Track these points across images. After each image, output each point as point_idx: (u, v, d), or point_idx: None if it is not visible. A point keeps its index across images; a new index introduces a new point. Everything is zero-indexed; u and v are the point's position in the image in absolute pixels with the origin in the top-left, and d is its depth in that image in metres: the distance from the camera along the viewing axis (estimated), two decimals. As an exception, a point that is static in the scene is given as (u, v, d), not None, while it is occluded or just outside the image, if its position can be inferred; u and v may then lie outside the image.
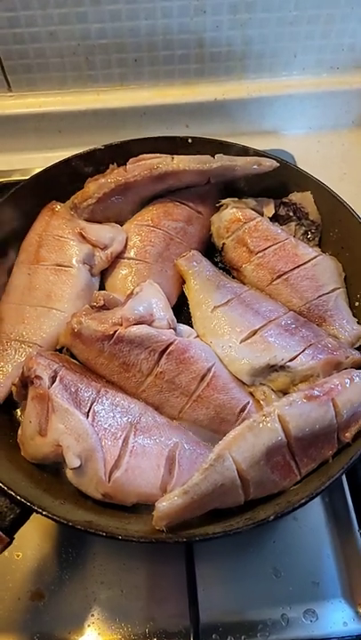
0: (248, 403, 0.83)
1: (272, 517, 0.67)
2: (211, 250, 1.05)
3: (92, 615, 0.81)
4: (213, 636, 0.79)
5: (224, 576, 0.84)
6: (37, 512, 0.68)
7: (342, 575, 0.85)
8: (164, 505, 0.69)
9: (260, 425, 0.72)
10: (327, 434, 0.74)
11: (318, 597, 0.83)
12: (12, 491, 0.68)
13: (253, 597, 0.83)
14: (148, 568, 0.84)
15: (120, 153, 1.02)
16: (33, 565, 0.85)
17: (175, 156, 0.98)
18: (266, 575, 0.84)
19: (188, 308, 0.95)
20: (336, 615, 0.82)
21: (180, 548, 0.82)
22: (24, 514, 0.69)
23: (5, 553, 0.70)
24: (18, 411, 0.88)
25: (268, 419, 0.72)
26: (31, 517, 0.71)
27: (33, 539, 0.86)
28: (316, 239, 1.01)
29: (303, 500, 0.68)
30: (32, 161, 1.26)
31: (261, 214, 1.01)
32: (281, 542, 0.86)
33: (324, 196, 0.99)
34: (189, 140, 1.04)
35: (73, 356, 0.88)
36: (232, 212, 0.99)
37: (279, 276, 0.94)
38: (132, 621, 0.81)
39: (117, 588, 0.83)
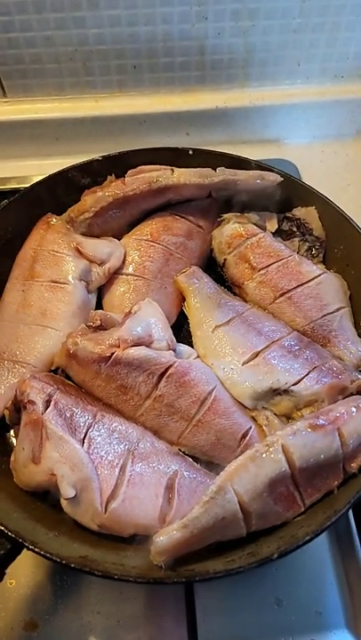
0: (250, 428, 0.80)
1: (276, 556, 0.64)
2: (212, 265, 1.01)
3: (88, 646, 0.79)
4: (213, 668, 0.77)
5: (224, 605, 0.81)
6: (29, 549, 0.65)
7: (346, 604, 0.82)
8: (163, 540, 0.66)
9: (263, 455, 0.69)
10: (332, 464, 0.71)
11: (321, 627, 0.80)
12: (2, 525, 0.65)
13: (255, 627, 0.80)
14: (146, 597, 0.81)
15: (118, 164, 0.99)
16: (27, 593, 0.81)
17: (175, 169, 0.95)
18: (267, 604, 0.81)
19: (189, 327, 0.92)
20: (339, 646, 0.79)
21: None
22: (16, 549, 0.66)
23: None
24: (10, 433, 0.85)
25: (271, 449, 0.69)
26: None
27: (27, 565, 0.82)
28: (321, 256, 0.98)
29: (308, 537, 0.65)
30: (28, 168, 1.23)
31: (264, 229, 0.98)
32: (283, 570, 0.83)
33: (329, 211, 0.96)
34: (190, 152, 1.01)
35: (68, 377, 0.85)
36: (234, 226, 0.96)
37: (282, 294, 0.91)
38: (128, 654, 0.78)
39: (114, 618, 0.80)
